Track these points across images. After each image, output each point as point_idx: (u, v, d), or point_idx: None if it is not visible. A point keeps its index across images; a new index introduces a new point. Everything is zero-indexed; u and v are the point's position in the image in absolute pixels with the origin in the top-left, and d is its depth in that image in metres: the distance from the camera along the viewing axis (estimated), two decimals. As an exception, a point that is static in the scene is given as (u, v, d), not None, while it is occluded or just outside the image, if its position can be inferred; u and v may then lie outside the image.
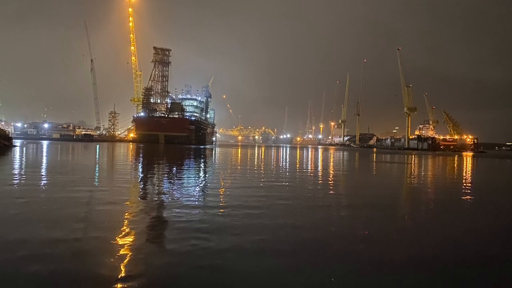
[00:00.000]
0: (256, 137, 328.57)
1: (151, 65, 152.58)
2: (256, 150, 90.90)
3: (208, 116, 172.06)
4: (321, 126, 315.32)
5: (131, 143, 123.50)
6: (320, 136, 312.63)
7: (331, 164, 44.87)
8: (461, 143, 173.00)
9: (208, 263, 6.98)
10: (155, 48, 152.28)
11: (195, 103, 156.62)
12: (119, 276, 6.18)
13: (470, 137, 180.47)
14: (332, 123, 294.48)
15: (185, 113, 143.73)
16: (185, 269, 6.72)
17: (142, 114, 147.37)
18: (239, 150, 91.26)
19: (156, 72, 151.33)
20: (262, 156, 59.70)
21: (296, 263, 7.17)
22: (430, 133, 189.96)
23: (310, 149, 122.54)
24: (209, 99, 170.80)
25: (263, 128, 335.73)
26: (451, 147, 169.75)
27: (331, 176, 27.49)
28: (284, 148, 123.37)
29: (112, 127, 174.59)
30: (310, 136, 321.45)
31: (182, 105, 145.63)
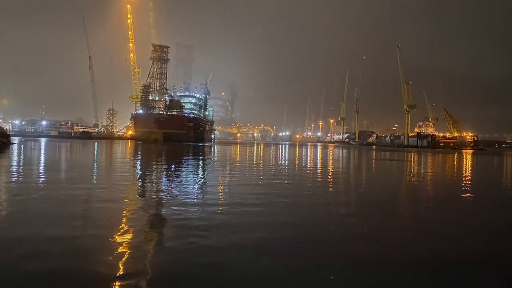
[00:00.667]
0: (255, 134, 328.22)
1: (150, 62, 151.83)
2: (255, 148, 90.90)
3: (206, 113, 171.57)
4: (320, 123, 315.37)
5: (129, 141, 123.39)
6: (319, 134, 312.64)
7: (330, 161, 44.89)
8: (461, 141, 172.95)
9: (207, 261, 6.94)
10: (153, 45, 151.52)
11: (193, 100, 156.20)
12: (118, 274, 6.15)
13: (470, 134, 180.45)
14: (331, 121, 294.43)
15: (183, 110, 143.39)
16: (184, 267, 6.69)
17: (140, 111, 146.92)
18: (238, 147, 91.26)
19: (155, 69, 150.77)
20: (261, 154, 59.69)
21: (295, 261, 7.14)
22: (430, 130, 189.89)
23: (309, 147, 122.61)
24: (207, 96, 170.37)
25: (262, 125, 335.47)
26: (451, 144, 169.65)
27: (330, 174, 27.47)
28: (283, 146, 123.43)
29: (111, 124, 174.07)
30: (309, 133, 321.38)
31: (181, 102, 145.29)
